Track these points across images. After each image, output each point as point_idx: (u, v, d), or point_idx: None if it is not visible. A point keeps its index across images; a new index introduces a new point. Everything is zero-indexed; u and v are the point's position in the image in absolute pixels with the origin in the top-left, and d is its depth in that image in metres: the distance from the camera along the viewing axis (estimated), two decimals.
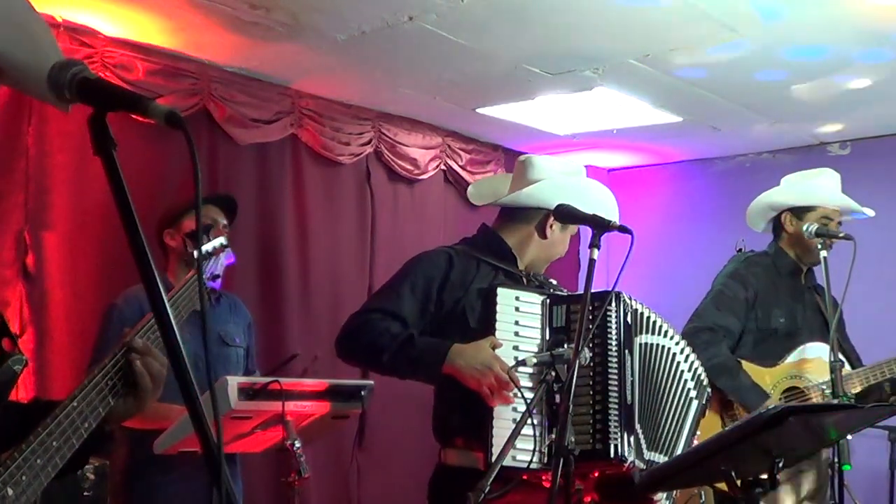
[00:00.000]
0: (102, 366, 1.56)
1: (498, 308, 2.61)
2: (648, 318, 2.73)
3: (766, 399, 3.53)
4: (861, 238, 3.51)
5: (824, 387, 3.54)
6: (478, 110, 5.30)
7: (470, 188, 3.30)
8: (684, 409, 2.73)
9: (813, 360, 3.63)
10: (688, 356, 2.79)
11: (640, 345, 2.67)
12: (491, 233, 2.94)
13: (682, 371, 2.75)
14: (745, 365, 3.62)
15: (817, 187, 3.82)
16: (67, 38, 3.94)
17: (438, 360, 2.61)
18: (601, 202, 2.85)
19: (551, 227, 2.87)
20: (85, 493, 3.12)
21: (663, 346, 2.74)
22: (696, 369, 2.80)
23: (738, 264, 3.82)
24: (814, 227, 3.65)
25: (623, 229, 2.48)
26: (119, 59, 4.12)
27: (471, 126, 5.70)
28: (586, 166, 7.13)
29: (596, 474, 2.61)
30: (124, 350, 1.59)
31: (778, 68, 4.54)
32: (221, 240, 2.18)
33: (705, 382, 2.83)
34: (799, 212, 3.77)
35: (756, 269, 3.77)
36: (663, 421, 2.69)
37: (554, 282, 2.96)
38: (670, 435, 2.70)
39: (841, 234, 3.61)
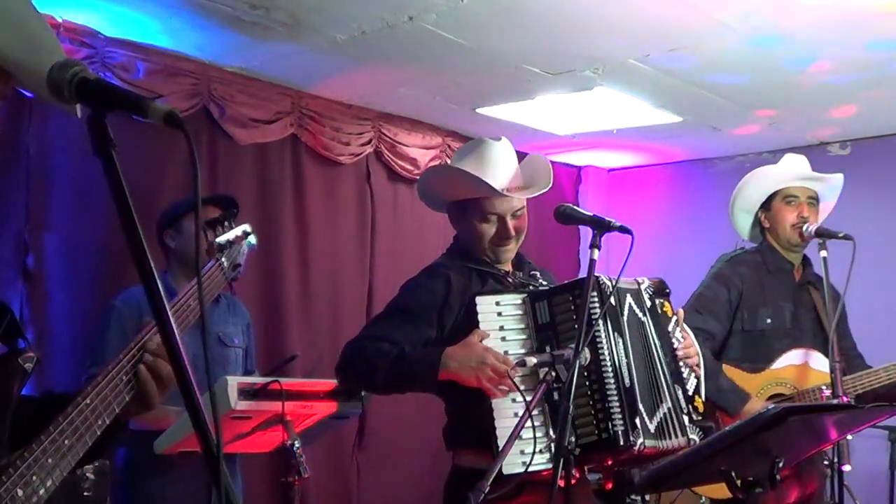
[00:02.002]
0: (118, 361, 1.56)
1: (480, 317, 2.58)
2: (635, 290, 2.69)
3: (747, 400, 3.50)
4: (861, 238, 3.51)
5: (824, 386, 3.51)
6: (478, 110, 5.30)
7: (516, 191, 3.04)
8: (665, 378, 2.66)
9: (800, 365, 3.60)
10: (658, 329, 2.70)
11: (627, 322, 2.63)
12: (455, 238, 2.94)
13: (655, 345, 2.68)
14: (733, 370, 3.59)
15: (768, 174, 3.81)
16: (67, 38, 3.94)
17: (433, 369, 2.58)
18: (482, 159, 2.81)
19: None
20: (85, 493, 3.12)
21: (641, 321, 2.68)
22: (665, 339, 2.72)
23: (723, 265, 3.78)
24: (813, 228, 3.64)
25: (623, 229, 2.47)
26: (119, 59, 4.12)
27: (471, 126, 5.70)
28: (586, 166, 7.12)
29: (609, 462, 2.60)
30: (140, 347, 1.59)
31: (778, 68, 4.54)
32: (245, 227, 2.15)
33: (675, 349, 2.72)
34: (766, 204, 3.77)
35: (742, 268, 3.74)
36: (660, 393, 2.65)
37: (537, 274, 2.90)
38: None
39: (841, 234, 3.59)
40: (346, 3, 3.79)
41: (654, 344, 2.68)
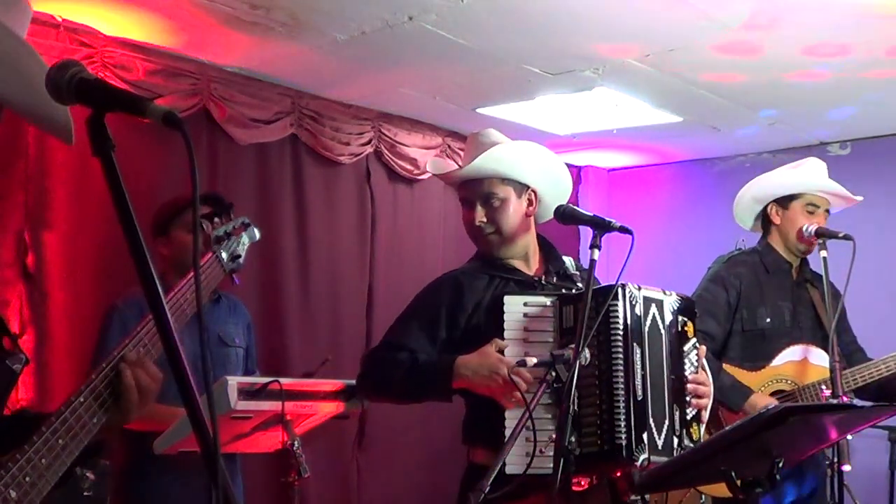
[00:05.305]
0: (100, 370, 1.56)
1: (505, 316, 2.59)
2: (659, 301, 2.64)
3: (749, 395, 3.49)
4: (861, 238, 3.50)
5: (823, 386, 3.51)
6: (478, 110, 5.30)
7: (428, 162, 3.21)
8: (666, 395, 2.61)
9: (799, 361, 3.60)
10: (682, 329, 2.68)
11: (650, 332, 2.60)
12: None
13: (665, 360, 2.64)
14: (734, 369, 3.58)
15: (799, 174, 3.79)
16: (67, 38, 3.94)
17: (446, 377, 2.59)
18: (550, 167, 2.88)
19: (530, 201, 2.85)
20: (85, 493, 3.12)
21: (660, 333, 2.64)
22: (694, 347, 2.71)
23: (720, 266, 3.77)
24: (813, 228, 3.63)
25: (624, 230, 2.47)
26: (119, 59, 4.12)
27: (471, 126, 5.68)
28: (586, 166, 7.12)
29: (619, 474, 2.57)
30: (119, 358, 1.58)
31: (778, 68, 4.54)
32: (244, 218, 2.15)
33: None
34: (784, 201, 3.74)
35: (739, 269, 3.73)
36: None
37: (577, 276, 2.88)
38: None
39: (840, 234, 3.59)
40: (346, 3, 3.79)
41: (665, 359, 2.63)
